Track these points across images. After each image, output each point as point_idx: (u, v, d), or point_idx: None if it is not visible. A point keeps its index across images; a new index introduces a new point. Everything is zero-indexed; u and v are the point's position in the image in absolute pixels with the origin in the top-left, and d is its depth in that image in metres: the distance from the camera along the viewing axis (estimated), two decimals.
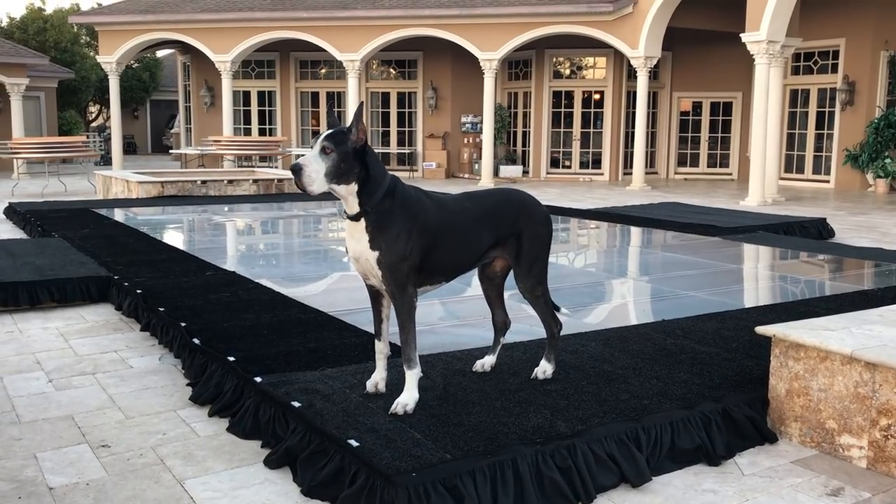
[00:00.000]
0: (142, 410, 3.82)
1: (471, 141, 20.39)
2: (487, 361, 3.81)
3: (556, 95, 20.17)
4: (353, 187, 3.17)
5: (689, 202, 13.74)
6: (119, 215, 10.63)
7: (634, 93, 19.15)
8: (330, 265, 7.48)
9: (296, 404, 3.33)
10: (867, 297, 5.57)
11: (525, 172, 20.27)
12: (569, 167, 20.31)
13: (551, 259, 3.85)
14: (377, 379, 3.49)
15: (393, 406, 3.25)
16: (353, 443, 2.93)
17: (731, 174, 20.38)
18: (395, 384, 3.50)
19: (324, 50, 19.23)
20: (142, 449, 3.36)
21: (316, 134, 21.96)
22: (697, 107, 20.49)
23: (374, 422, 3.13)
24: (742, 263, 7.47)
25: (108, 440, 3.45)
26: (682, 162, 20.72)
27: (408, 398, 3.26)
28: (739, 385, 3.64)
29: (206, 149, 19.40)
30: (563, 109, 20.16)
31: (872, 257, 7.50)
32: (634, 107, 19.53)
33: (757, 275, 7.06)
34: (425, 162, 20.60)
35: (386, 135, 21.63)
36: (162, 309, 5.01)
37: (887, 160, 16.37)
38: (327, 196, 14.63)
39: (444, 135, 20.74)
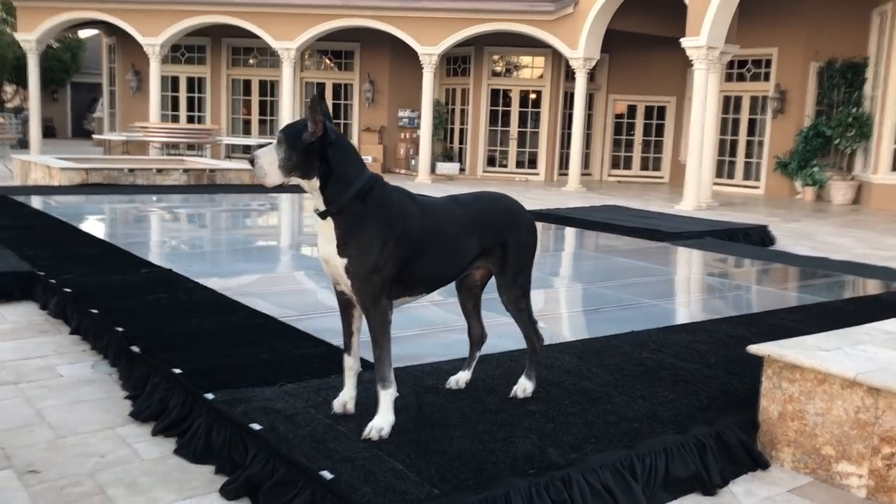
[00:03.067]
0: (75, 428, 3.41)
1: (408, 136, 20.06)
2: (462, 378, 3.54)
3: (494, 93, 20.01)
4: (315, 183, 2.87)
5: (626, 205, 13.73)
6: (39, 203, 9.96)
7: (571, 94, 19.15)
8: (272, 263, 7.09)
9: (256, 427, 2.99)
10: (829, 309, 5.50)
11: (462, 170, 20.05)
12: (505, 166, 20.18)
13: None
14: (345, 398, 3.18)
15: (366, 430, 2.94)
16: (327, 475, 2.62)
17: (663, 177, 20.58)
18: (365, 404, 3.19)
19: (258, 37, 18.62)
20: (77, 476, 2.97)
21: (247, 123, 21.35)
22: (632, 110, 20.63)
23: (347, 449, 2.82)
24: (697, 271, 7.39)
25: (38, 464, 3.05)
26: (615, 164, 20.83)
27: (382, 422, 2.96)
28: (727, 406, 3.46)
29: (133, 135, 18.56)
30: (500, 108, 20.01)
31: (821, 267, 7.51)
32: (571, 108, 19.56)
33: (714, 283, 6.97)
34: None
35: None
36: (95, 311, 4.57)
37: (815, 168, 16.73)
38: (259, 188, 14.21)
39: (381, 129, 20.36)
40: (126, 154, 18.68)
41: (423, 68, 17.89)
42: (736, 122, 18.55)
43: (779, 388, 3.28)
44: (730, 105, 18.57)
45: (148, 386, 3.65)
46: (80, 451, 3.18)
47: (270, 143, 2.93)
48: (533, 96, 19.96)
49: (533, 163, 20.08)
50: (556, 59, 19.21)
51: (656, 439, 3.04)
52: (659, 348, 4.29)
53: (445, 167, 19.42)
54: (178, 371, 3.59)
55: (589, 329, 4.84)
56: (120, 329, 4.22)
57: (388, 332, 2.98)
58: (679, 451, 3.03)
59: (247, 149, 20.44)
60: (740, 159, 18.62)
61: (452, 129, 20.70)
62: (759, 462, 3.24)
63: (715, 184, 17.51)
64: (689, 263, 7.74)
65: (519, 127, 20.01)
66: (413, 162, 19.70)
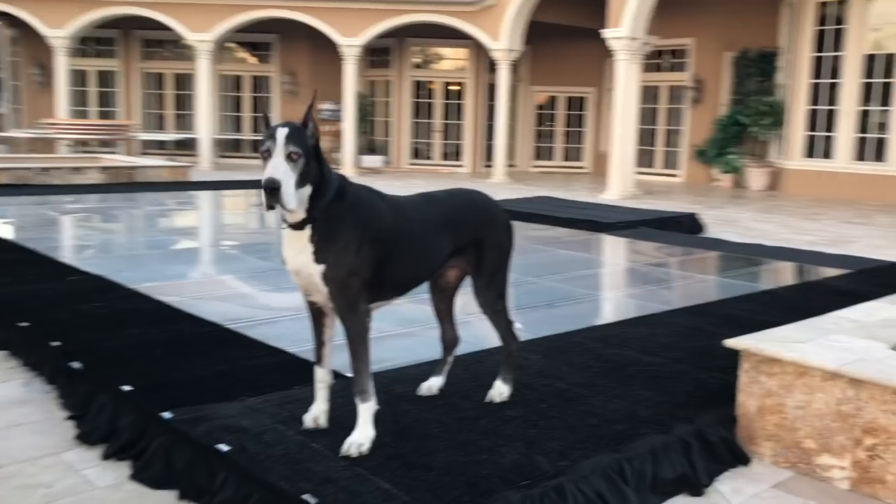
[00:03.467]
0: (14, 456, 3.12)
1: (330, 129, 19.69)
2: (435, 384, 3.39)
3: (418, 85, 19.83)
4: (307, 191, 2.66)
5: (552, 195, 13.77)
6: None
7: (494, 85, 19.11)
8: (210, 266, 6.78)
9: (224, 448, 2.78)
10: (776, 297, 5.57)
11: (387, 163, 19.82)
12: (431, 158, 20.05)
13: None
14: (317, 412, 2.99)
15: (345, 446, 2.76)
16: (311, 499, 2.44)
17: (585, 167, 20.79)
18: (337, 417, 3.02)
19: (172, 29, 17.95)
20: None
21: (162, 118, 20.51)
22: (553, 101, 20.76)
23: (327, 468, 2.64)
24: (639, 261, 7.42)
25: None
26: (538, 155, 20.94)
27: (362, 437, 2.79)
28: (703, 402, 3.41)
29: (41, 132, 17.65)
30: (424, 100, 19.85)
31: (756, 253, 7.64)
32: (494, 99, 19.55)
33: (659, 273, 7.00)
34: None
35: (238, 121, 20.54)
36: (26, 324, 4.24)
37: (732, 156, 17.14)
38: (181, 186, 13.68)
39: None
40: (33, 152, 17.78)
41: (344, 60, 17.58)
42: (655, 112, 18.86)
43: (756, 382, 3.25)
44: (649, 95, 18.86)
45: (93, 405, 3.38)
46: (22, 483, 2.91)
47: (274, 160, 2.55)
48: (456, 88, 19.87)
49: (458, 154, 20.01)
50: (479, 50, 19.14)
51: (642, 441, 2.96)
52: (622, 343, 4.23)
53: (370, 160, 19.16)
54: (127, 388, 3.33)
55: (547, 325, 4.74)
56: (56, 343, 3.91)
57: (367, 341, 2.81)
58: (665, 452, 2.96)
59: (163, 144, 19.76)
60: (660, 148, 18.96)
61: (376, 122, 20.44)
62: (740, 458, 3.20)
63: (637, 173, 17.76)
64: (630, 254, 7.77)
65: (443, 119, 19.89)
66: (337, 155, 19.36)
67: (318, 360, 2.98)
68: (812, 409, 3.10)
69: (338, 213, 2.71)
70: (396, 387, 3.43)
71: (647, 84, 18.57)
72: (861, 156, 15.39)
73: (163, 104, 20.58)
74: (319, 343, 2.97)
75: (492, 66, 18.87)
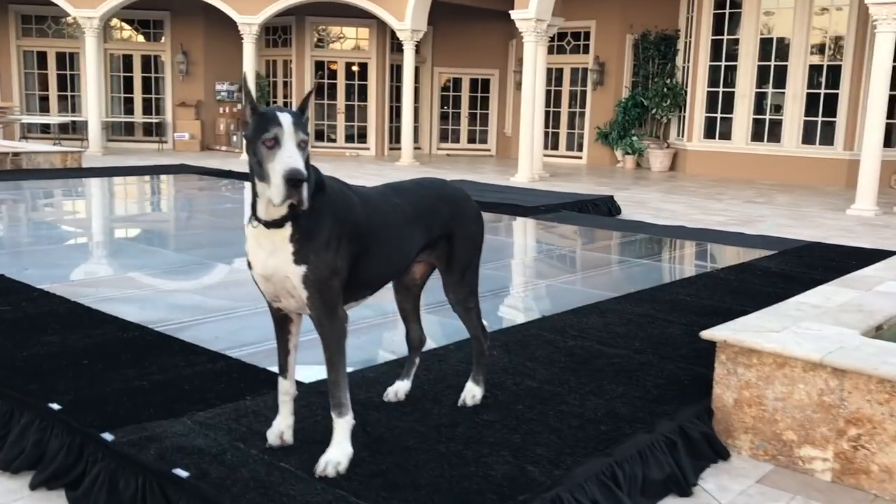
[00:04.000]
0: None
1: (227, 111, 18.95)
2: (401, 388, 3.15)
3: (319, 66, 19.29)
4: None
5: (465, 178, 13.63)
6: None
7: (398, 66, 18.83)
8: (122, 260, 6.28)
9: (182, 474, 2.47)
10: (714, 280, 5.56)
11: None
12: (334, 140, 19.58)
13: None
14: (282, 427, 2.71)
15: (320, 465, 2.50)
16: None
17: (490, 150, 20.77)
18: (301, 431, 2.75)
19: (54, 4, 16.81)
20: None
21: (44, 100, 19.23)
22: (457, 82, 20.60)
23: (303, 491, 2.38)
24: (570, 245, 7.34)
25: None
26: (443, 137, 20.78)
27: (339, 454, 2.53)
28: (678, 395, 3.31)
29: None
30: (326, 80, 19.33)
31: (679, 235, 7.69)
32: (398, 80, 19.26)
33: (594, 258, 6.93)
34: (177, 133, 18.85)
35: (129, 102, 19.50)
36: None
37: (634, 138, 17.44)
38: (74, 173, 12.81)
39: (198, 103, 19.08)
40: None
41: (242, 38, 16.90)
42: (558, 94, 18.97)
43: (734, 374, 3.16)
44: (552, 77, 18.94)
45: (13, 428, 2.99)
46: None
47: (287, 148, 2.28)
48: (359, 69, 19.44)
49: (363, 137, 19.61)
50: (382, 30, 18.79)
51: (629, 442, 2.81)
52: (579, 334, 4.09)
53: None
54: (55, 406, 2.95)
55: (499, 317, 4.57)
56: None
57: (344, 348, 2.55)
58: (652, 453, 2.83)
59: (46, 128, 18.58)
60: (563, 130, 19.10)
61: (276, 103, 19.77)
62: (720, 453, 3.11)
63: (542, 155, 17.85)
64: (557, 238, 7.69)
65: (346, 100, 19.44)
66: (234, 138, 18.67)
67: (283, 371, 2.70)
68: (793, 401, 3.03)
69: (318, 208, 2.43)
70: (358, 392, 3.17)
71: (551, 66, 18.65)
72: (757, 137, 15.90)
73: (45, 85, 19.30)
74: (284, 352, 2.69)
75: (395, 47, 18.58)
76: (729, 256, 6.84)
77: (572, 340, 3.97)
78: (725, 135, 16.20)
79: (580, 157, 18.67)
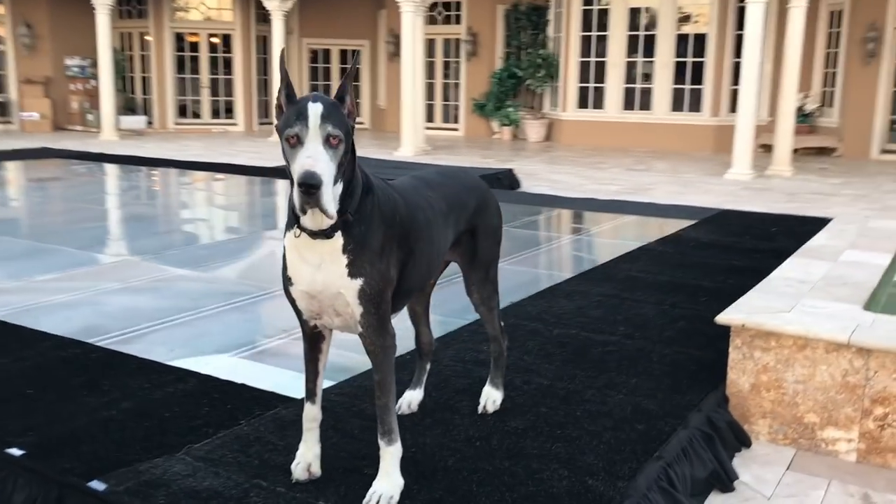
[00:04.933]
0: None
1: (80, 88, 17.54)
2: (414, 399, 2.87)
3: (180, 38, 18.15)
4: (339, 188, 2.03)
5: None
6: None
7: (264, 37, 18.05)
8: (19, 262, 5.56)
9: None
10: (654, 253, 5.55)
11: (150, 123, 18.04)
12: (199, 116, 18.55)
13: None
14: (309, 458, 2.37)
15: (371, 501, 2.20)
16: None
17: (363, 123, 20.28)
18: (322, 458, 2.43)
19: None
20: None
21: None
22: (326, 54, 19.97)
23: None
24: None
25: None
26: None
27: (391, 487, 2.23)
28: (692, 383, 3.19)
29: None
30: (188, 53, 18.23)
31: (593, 208, 7.69)
32: (265, 52, 18.45)
33: (527, 236, 6.77)
34: (24, 112, 17.25)
35: None
36: None
37: (510, 109, 17.47)
38: None
39: (46, 80, 17.53)
40: None
41: (93, 9, 15.62)
42: (432, 66, 18.72)
43: (750, 358, 3.08)
44: (426, 49, 18.67)
45: None
46: None
47: (308, 146, 1.93)
48: (222, 41, 18.44)
49: (230, 112, 18.68)
50: (246, 0, 17.89)
51: (672, 441, 2.67)
52: (560, 321, 3.92)
53: (131, 121, 17.32)
54: (16, 452, 2.48)
55: (459, 305, 4.32)
56: None
57: (393, 370, 2.24)
58: (694, 450, 2.70)
59: None
60: (438, 102, 18.91)
61: (133, 79, 18.51)
62: (743, 441, 3.02)
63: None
64: None
65: (211, 74, 18.43)
66: (90, 117, 17.32)
67: (310, 396, 2.36)
68: (814, 383, 2.97)
69: (370, 213, 2.10)
70: (363, 405, 2.87)
71: (424, 37, 18.39)
72: (629, 105, 16.29)
73: None
74: (314, 374, 2.35)
75: (261, 17, 17.76)
76: (651, 228, 6.87)
77: (556, 328, 3.80)
78: (598, 104, 16.50)
79: (457, 129, 18.56)
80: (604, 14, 16.13)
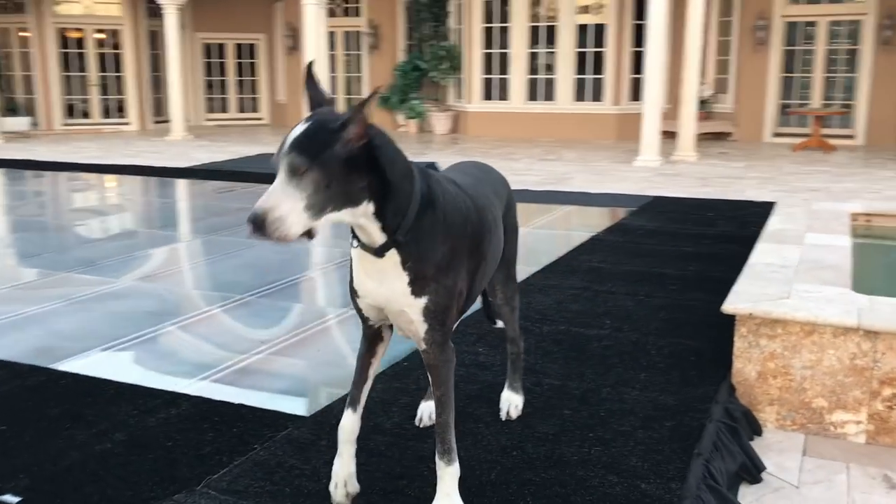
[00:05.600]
0: None
1: None
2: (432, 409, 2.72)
3: (64, 34, 17.14)
4: (368, 208, 1.88)
5: (247, 151, 12.80)
6: None
7: (155, 32, 17.30)
8: None
9: None
10: (607, 243, 5.54)
11: (34, 124, 16.98)
12: (89, 116, 17.58)
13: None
14: (345, 476, 2.20)
15: None
16: None
17: (262, 118, 19.76)
18: (361, 480, 2.27)
19: None
20: None
21: None
22: (221, 48, 19.31)
23: None
24: None
25: None
26: (211, 108, 19.44)
27: None
28: (697, 374, 3.17)
29: None
30: (74, 50, 17.23)
31: (529, 199, 7.66)
32: (156, 48, 17.68)
33: None
34: None
35: None
36: None
37: (416, 102, 17.35)
38: None
39: None
40: None
41: None
42: (333, 59, 18.36)
43: (756, 346, 3.08)
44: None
45: None
46: None
47: (278, 176, 1.80)
48: (111, 37, 17.53)
49: (121, 111, 17.80)
50: None
51: (706, 437, 2.63)
52: (544, 317, 3.85)
53: (13, 123, 16.25)
54: (14, 500, 2.21)
55: None
56: None
57: (453, 386, 2.10)
58: (723, 443, 2.67)
59: None
60: (340, 96, 18.58)
61: (13, 78, 17.36)
62: (755, 430, 3.02)
63: None
64: None
65: (100, 71, 17.50)
66: None
67: (353, 403, 2.20)
68: (822, 367, 3.00)
69: (430, 227, 1.96)
70: (378, 419, 2.71)
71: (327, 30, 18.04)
72: (533, 96, 16.44)
73: None
74: (362, 379, 2.20)
75: (151, 11, 17.00)
76: (591, 217, 6.90)
77: (544, 325, 3.72)
78: (503, 95, 16.58)
79: None
80: (505, 4, 16.20)
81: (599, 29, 15.76)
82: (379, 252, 1.93)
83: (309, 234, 1.79)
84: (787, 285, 3.36)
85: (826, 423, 3.03)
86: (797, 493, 2.63)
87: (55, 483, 2.29)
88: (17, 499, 2.21)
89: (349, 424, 2.20)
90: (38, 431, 2.62)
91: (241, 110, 19.67)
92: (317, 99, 1.90)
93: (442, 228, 2.00)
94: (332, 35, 18.11)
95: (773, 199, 8.03)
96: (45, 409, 2.80)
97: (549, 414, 2.77)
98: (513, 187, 2.75)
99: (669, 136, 12.65)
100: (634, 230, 5.94)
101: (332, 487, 2.19)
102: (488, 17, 16.40)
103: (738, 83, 15.31)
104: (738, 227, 5.96)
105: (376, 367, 2.22)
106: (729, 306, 3.13)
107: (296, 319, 4.12)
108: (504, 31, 16.36)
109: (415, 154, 13.08)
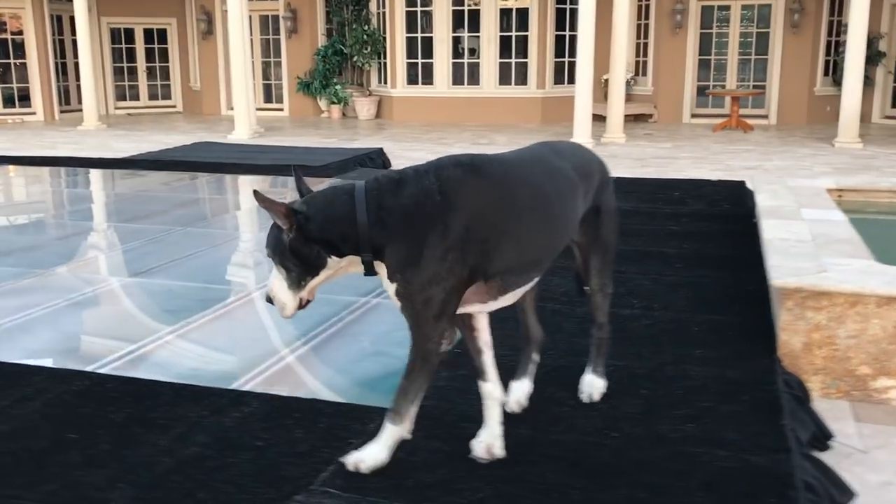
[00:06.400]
0: None
1: None
2: (523, 391, 2.70)
3: None
4: (334, 261, 2.20)
5: (163, 138, 12.36)
6: None
7: (58, 16, 16.49)
8: None
9: None
10: None
11: None
12: None
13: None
14: (489, 439, 2.38)
15: (346, 459, 2.28)
16: None
17: (175, 106, 19.09)
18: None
19: None
20: None
21: None
22: (129, 34, 18.52)
23: None
24: None
25: None
26: (121, 96, 18.64)
27: (369, 454, 2.27)
28: (747, 347, 3.26)
29: None
30: None
31: None
32: (60, 33, 16.85)
33: None
34: None
35: None
36: None
37: (338, 87, 17.10)
38: None
39: None
40: None
41: None
42: (251, 44, 17.88)
43: (802, 318, 3.18)
44: None
45: None
46: None
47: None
48: (9, 22, 16.57)
49: (25, 100, 16.85)
50: None
51: (786, 408, 2.70)
52: (570, 299, 3.85)
53: None
54: None
55: None
56: None
57: (423, 388, 2.31)
58: (795, 413, 2.76)
59: None
60: (259, 81, 18.13)
61: None
62: (806, 399, 3.13)
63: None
64: None
65: (1, 59, 16.51)
66: None
67: (479, 373, 2.40)
68: (867, 336, 3.13)
69: (388, 237, 2.17)
70: (461, 430, 2.66)
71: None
72: (458, 80, 16.43)
73: None
74: (475, 350, 2.41)
75: None
76: None
77: (577, 307, 3.72)
78: (428, 80, 16.51)
79: (281, 109, 17.90)
80: None
81: (522, 13, 15.89)
82: (368, 273, 2.22)
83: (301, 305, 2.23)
84: (814, 259, 3.48)
85: (870, 390, 3.16)
86: (868, 457, 2.73)
87: (161, 489, 2.16)
88: None
89: (485, 390, 2.38)
90: (115, 438, 2.46)
91: (153, 98, 18.94)
92: (303, 192, 2.26)
93: (398, 234, 2.14)
94: (248, 19, 17.63)
95: (713, 177, 8.33)
96: (107, 415, 2.63)
97: (626, 394, 2.79)
98: None
99: (596, 119, 12.87)
100: None
101: (475, 442, 2.35)
102: (411, 2, 16.28)
103: (656, 66, 15.73)
104: (708, 205, 6.14)
105: (483, 338, 2.39)
106: (778, 281, 3.22)
107: (327, 310, 3.96)
108: (427, 14, 16.28)
109: (347, 140, 12.89)
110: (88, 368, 3.10)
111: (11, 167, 9.91)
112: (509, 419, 2.60)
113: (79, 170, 9.42)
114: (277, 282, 2.18)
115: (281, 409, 2.68)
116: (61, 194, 8.38)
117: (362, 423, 2.56)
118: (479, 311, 2.33)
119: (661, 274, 4.27)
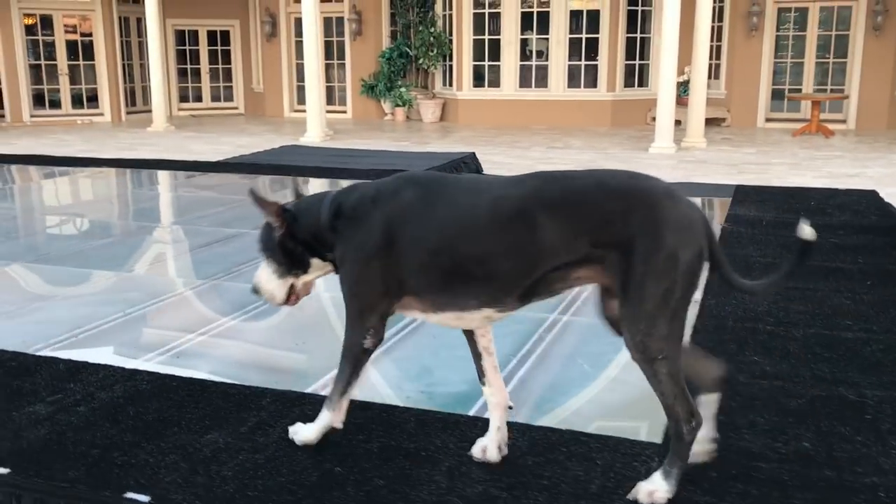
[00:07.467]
0: None
1: None
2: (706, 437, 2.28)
3: (30, 20, 16.20)
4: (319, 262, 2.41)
5: (225, 139, 12.28)
6: None
7: (126, 18, 16.56)
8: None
9: None
10: (743, 236, 5.33)
11: (1, 116, 16.03)
12: (59, 107, 16.68)
13: None
14: (485, 442, 2.41)
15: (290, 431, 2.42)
16: None
17: (237, 108, 19.11)
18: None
19: None
20: None
21: None
22: (193, 35, 18.57)
23: None
24: None
25: None
26: (184, 97, 18.70)
27: (304, 430, 2.41)
28: None
29: None
30: (41, 36, 16.30)
31: None
32: (128, 34, 16.92)
33: None
34: None
35: None
36: None
37: (402, 89, 16.96)
38: None
39: None
40: None
41: None
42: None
43: None
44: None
45: None
46: None
47: None
48: (79, 23, 16.66)
49: (93, 101, 16.94)
50: None
51: None
52: (777, 321, 3.60)
53: None
54: (141, 498, 1.99)
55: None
56: None
57: (352, 374, 2.37)
58: None
59: None
60: (323, 83, 18.05)
61: None
62: None
63: (302, 110, 16.64)
64: None
65: (69, 59, 16.60)
66: None
67: (480, 377, 2.42)
68: None
69: (339, 230, 2.32)
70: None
71: (299, 15, 17.49)
72: (525, 83, 16.21)
73: None
74: (475, 354, 2.41)
75: None
76: None
77: (792, 329, 3.48)
78: (494, 82, 16.31)
79: (344, 112, 17.84)
80: None
81: (593, 15, 15.63)
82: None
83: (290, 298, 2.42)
84: None
85: None
86: None
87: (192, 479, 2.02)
88: (146, 498, 2.07)
89: (486, 394, 2.41)
90: (176, 432, 2.46)
91: (215, 99, 18.98)
92: (298, 196, 2.49)
93: (341, 235, 2.29)
94: (320, 22, 17.58)
95: (817, 184, 8.01)
96: (185, 413, 2.60)
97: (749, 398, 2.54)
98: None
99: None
100: (755, 221, 5.74)
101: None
102: (479, 4, 16.11)
103: (729, 69, 15.38)
104: (853, 216, 5.84)
105: (483, 343, 2.37)
106: None
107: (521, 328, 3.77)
108: (495, 17, 16.09)
109: (418, 143, 12.73)
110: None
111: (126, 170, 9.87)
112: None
113: (178, 173, 9.36)
114: (264, 274, 2.39)
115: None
116: (178, 199, 8.30)
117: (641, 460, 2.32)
118: (425, 320, 2.36)
119: (856, 292, 3.99)
